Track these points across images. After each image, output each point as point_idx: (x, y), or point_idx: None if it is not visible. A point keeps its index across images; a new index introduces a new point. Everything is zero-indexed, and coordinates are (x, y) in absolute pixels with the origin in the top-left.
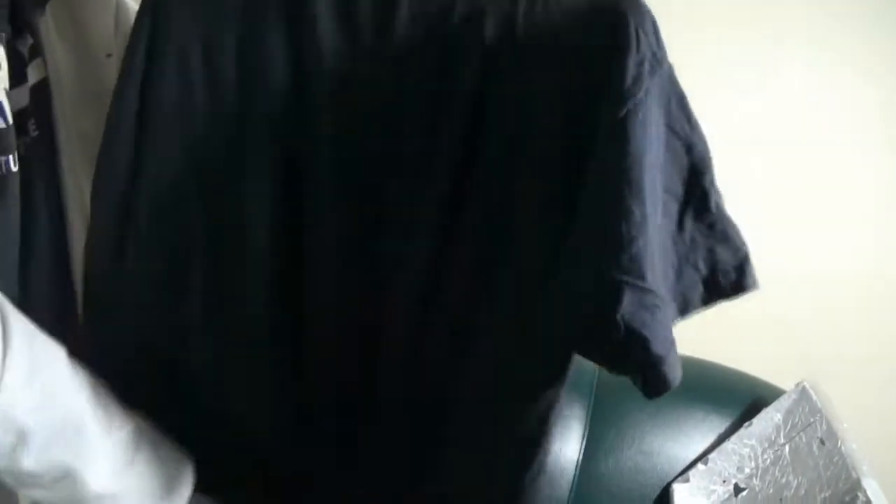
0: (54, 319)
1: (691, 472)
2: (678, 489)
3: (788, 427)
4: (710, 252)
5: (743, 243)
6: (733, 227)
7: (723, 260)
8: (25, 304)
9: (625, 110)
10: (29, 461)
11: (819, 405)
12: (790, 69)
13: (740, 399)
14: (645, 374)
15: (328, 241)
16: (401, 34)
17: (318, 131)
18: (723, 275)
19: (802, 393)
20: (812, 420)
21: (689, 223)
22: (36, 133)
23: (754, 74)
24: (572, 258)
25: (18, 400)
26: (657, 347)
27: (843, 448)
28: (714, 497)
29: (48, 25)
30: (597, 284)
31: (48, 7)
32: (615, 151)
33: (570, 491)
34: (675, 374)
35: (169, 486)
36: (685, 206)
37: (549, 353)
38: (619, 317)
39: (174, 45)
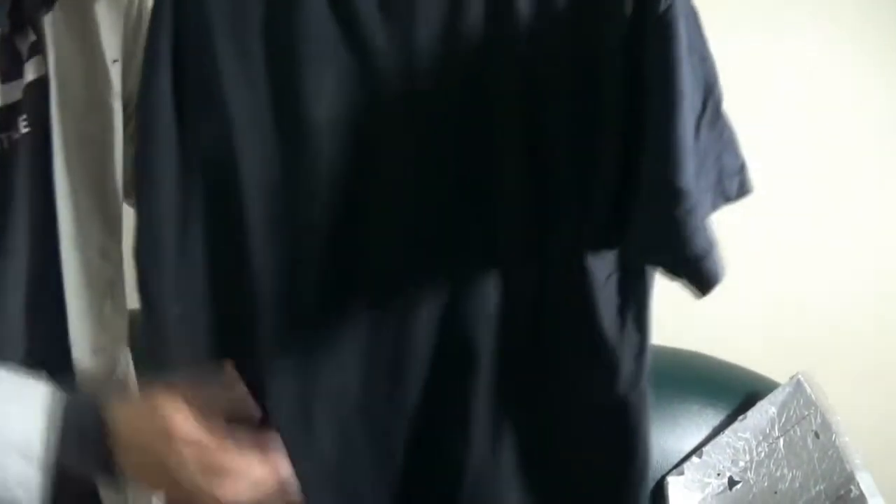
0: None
1: (686, 465)
2: (673, 482)
3: (783, 420)
4: (718, 159)
5: (740, 148)
6: (734, 134)
7: (728, 165)
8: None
9: (665, 7)
10: None
11: (814, 398)
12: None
13: (735, 392)
14: (695, 273)
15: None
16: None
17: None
18: (728, 179)
19: (797, 386)
20: (807, 413)
21: (704, 132)
22: (27, 130)
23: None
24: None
25: None
26: (700, 244)
27: (837, 441)
28: (708, 490)
29: (58, 25)
30: (664, 193)
31: (58, 6)
32: (662, 65)
33: None
34: (719, 269)
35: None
36: (701, 116)
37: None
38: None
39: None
